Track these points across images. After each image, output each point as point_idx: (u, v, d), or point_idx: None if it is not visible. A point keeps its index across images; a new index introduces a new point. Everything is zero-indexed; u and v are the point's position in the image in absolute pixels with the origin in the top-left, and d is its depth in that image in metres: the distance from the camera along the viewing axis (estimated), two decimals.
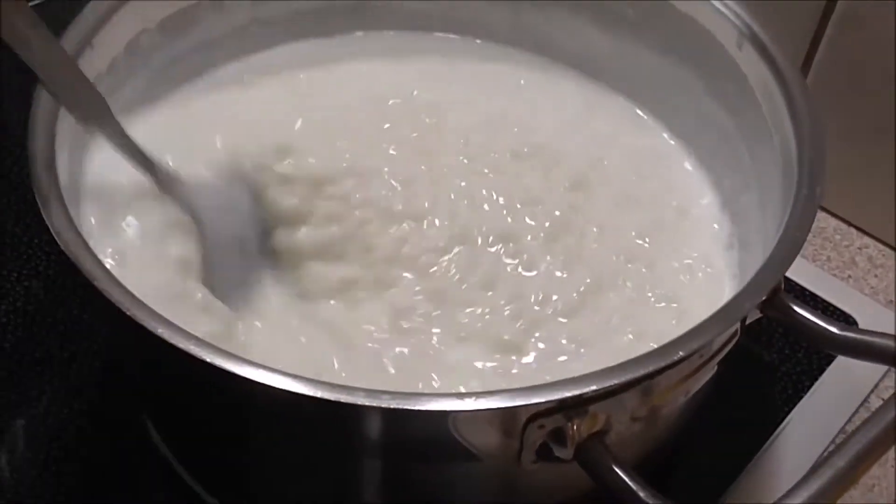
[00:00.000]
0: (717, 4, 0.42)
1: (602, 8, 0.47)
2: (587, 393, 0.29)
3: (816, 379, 0.46)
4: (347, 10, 0.50)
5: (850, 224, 0.54)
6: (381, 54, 0.49)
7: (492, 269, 0.41)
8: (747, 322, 0.36)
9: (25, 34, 0.34)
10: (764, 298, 0.32)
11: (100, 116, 0.37)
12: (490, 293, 0.40)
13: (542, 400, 0.29)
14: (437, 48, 0.51)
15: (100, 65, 0.40)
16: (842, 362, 0.47)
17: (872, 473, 0.43)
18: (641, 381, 0.30)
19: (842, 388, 0.46)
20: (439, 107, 0.47)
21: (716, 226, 0.43)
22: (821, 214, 0.54)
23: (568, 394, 0.29)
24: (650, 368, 0.30)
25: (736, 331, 0.34)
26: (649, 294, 0.41)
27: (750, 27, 0.41)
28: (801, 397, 0.46)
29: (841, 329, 0.34)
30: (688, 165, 0.46)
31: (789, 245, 0.33)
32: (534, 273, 0.41)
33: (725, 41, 0.42)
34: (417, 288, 0.41)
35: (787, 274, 0.49)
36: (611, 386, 0.29)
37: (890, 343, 0.33)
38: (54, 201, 0.33)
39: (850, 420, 0.45)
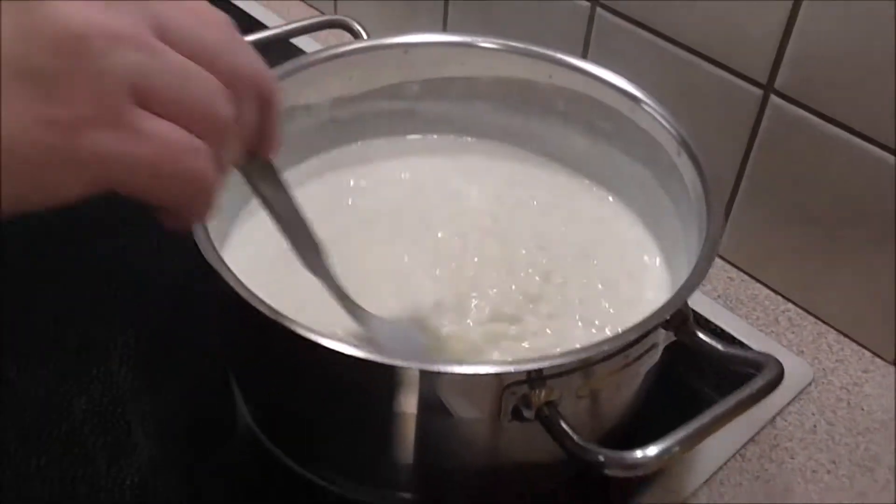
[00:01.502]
0: (665, 123, 0.59)
1: (587, 122, 0.65)
2: (543, 369, 0.45)
3: None
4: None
5: (777, 293, 0.69)
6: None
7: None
8: (666, 342, 0.52)
9: (270, 194, 0.43)
10: (667, 319, 0.48)
11: (317, 258, 0.47)
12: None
13: (514, 370, 0.45)
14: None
15: None
16: None
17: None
18: (572, 369, 0.46)
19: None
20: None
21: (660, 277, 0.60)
22: (755, 284, 0.70)
23: (532, 367, 0.45)
24: (573, 359, 0.45)
25: (653, 345, 0.50)
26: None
27: (686, 140, 0.58)
28: None
29: (725, 346, 0.50)
30: (641, 234, 0.63)
31: (687, 287, 0.49)
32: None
33: (670, 150, 0.59)
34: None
35: (722, 325, 0.65)
36: (552, 367, 0.45)
37: (756, 356, 0.49)
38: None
39: (758, 433, 0.60)
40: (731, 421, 0.45)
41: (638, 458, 0.43)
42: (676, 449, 0.43)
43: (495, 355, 0.54)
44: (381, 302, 0.54)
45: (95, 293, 0.65)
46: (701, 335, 0.51)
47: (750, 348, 0.63)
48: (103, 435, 0.57)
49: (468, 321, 0.56)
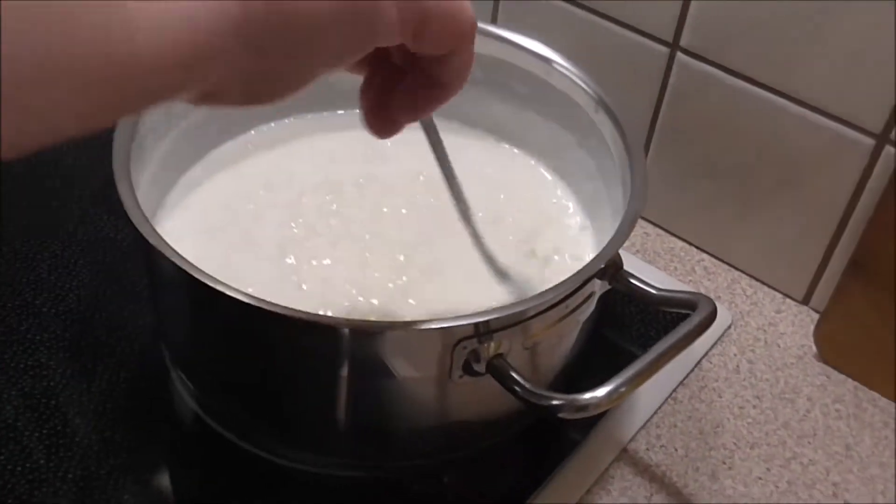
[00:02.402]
0: (581, 83, 0.61)
1: (504, 87, 0.66)
2: (490, 321, 0.47)
3: None
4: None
5: (691, 244, 0.72)
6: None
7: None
8: (602, 290, 0.54)
9: None
10: (602, 267, 0.50)
11: None
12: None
13: (464, 323, 0.46)
14: None
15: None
16: None
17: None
18: (518, 321, 0.47)
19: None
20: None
21: (583, 230, 0.62)
22: (670, 238, 0.73)
23: (479, 320, 0.46)
24: (519, 309, 0.47)
25: (590, 294, 0.52)
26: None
27: (602, 98, 0.60)
28: None
29: (657, 290, 0.52)
30: (562, 193, 0.65)
31: (619, 236, 0.51)
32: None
33: (587, 108, 0.61)
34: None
35: (643, 277, 0.67)
36: (499, 319, 0.46)
37: (689, 296, 0.51)
38: (127, 190, 0.49)
39: (687, 376, 0.63)
40: (673, 359, 0.47)
41: (589, 399, 0.45)
42: (623, 389, 0.45)
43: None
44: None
45: (16, 283, 0.63)
46: (634, 281, 0.53)
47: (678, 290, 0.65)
48: (39, 428, 0.56)
49: (389, 284, 0.57)
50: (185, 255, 0.46)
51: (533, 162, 0.67)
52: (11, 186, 0.69)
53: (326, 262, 0.57)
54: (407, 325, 0.46)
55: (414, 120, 0.42)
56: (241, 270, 0.55)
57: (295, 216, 0.60)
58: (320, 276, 0.56)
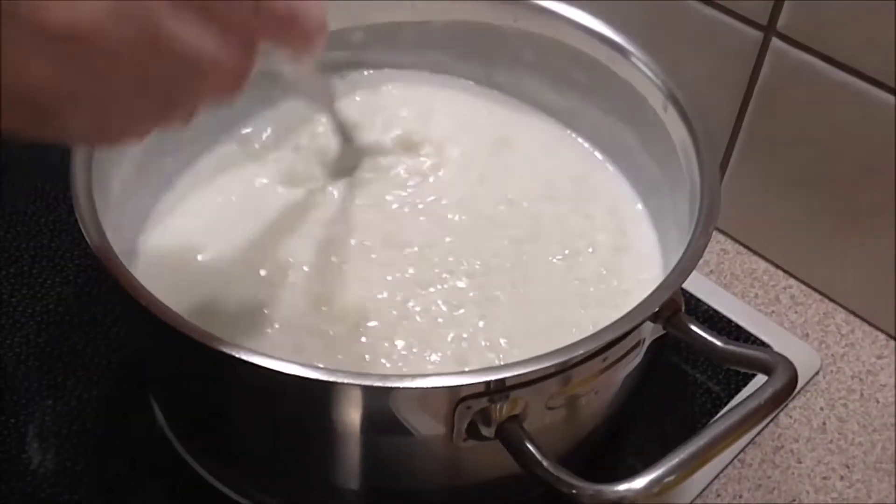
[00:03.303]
0: (649, 73, 0.50)
1: (558, 73, 0.55)
2: (506, 379, 0.37)
3: (733, 397, 0.53)
4: None
5: (777, 266, 0.61)
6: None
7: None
8: (654, 336, 0.43)
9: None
10: (656, 311, 0.40)
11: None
12: None
13: (470, 381, 0.37)
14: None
15: None
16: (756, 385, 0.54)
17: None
18: (539, 378, 0.37)
19: None
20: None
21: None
22: (752, 257, 0.62)
23: (492, 378, 0.37)
24: (542, 365, 0.37)
25: (637, 343, 0.42)
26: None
27: (673, 94, 0.49)
28: (717, 411, 0.53)
29: (724, 342, 0.42)
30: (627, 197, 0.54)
31: (680, 271, 0.41)
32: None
33: (655, 104, 0.50)
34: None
35: (716, 306, 0.57)
36: (516, 377, 0.37)
37: (764, 356, 0.41)
38: (88, 214, 0.41)
39: (759, 433, 0.52)
40: (738, 440, 0.37)
41: (622, 493, 0.35)
42: (670, 479, 0.35)
43: (451, 336, 0.46)
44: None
45: None
46: (695, 329, 0.42)
47: (753, 342, 0.55)
48: None
49: (430, 289, 0.47)
50: (157, 288, 0.38)
51: (599, 155, 0.56)
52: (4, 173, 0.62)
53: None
54: (398, 381, 0.37)
55: None
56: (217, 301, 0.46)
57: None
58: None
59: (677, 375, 0.54)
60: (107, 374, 0.52)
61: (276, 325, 0.45)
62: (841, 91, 0.52)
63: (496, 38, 0.55)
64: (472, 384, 0.37)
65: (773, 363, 0.39)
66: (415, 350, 0.45)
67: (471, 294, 0.47)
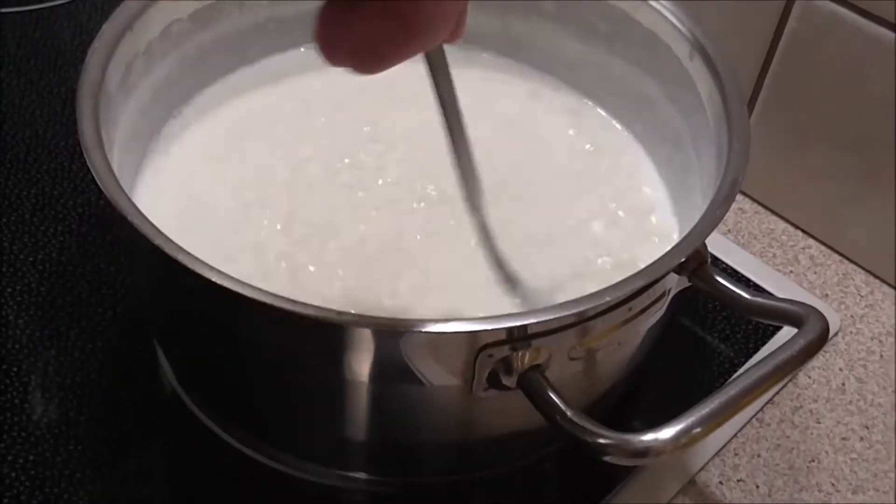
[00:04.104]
0: (674, 21, 0.49)
1: (580, 22, 0.54)
2: (528, 326, 0.36)
3: (751, 356, 0.52)
4: None
5: (796, 226, 0.60)
6: None
7: None
8: (679, 288, 0.42)
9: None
10: (682, 261, 0.38)
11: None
12: None
13: (491, 327, 0.35)
14: None
15: (138, 45, 0.47)
16: (775, 344, 0.53)
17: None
18: (564, 325, 0.36)
19: None
20: None
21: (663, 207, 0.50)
22: (771, 217, 0.60)
23: (514, 323, 0.35)
24: (567, 312, 0.36)
25: (662, 294, 0.40)
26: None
27: (700, 42, 0.48)
28: (731, 374, 0.51)
29: (752, 295, 0.40)
30: (641, 158, 0.53)
31: (708, 221, 0.39)
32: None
33: (680, 53, 0.49)
34: None
35: (735, 266, 0.56)
36: (540, 323, 0.35)
37: (794, 308, 0.39)
38: (97, 151, 0.40)
39: (778, 393, 0.51)
40: (767, 391, 0.36)
41: (648, 442, 0.34)
42: (698, 430, 0.34)
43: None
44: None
45: None
46: (721, 281, 0.41)
47: (779, 297, 0.53)
48: None
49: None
50: (166, 228, 0.36)
51: (604, 113, 0.55)
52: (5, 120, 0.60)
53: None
54: (418, 325, 0.36)
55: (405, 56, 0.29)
56: (230, 246, 0.45)
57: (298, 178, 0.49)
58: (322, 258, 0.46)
59: (691, 339, 0.53)
60: (111, 324, 0.51)
61: (283, 264, 0.44)
62: (871, 45, 0.51)
63: None
64: (495, 330, 0.35)
65: (804, 315, 0.38)
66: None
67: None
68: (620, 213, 0.49)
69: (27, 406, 0.47)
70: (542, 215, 0.48)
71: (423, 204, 0.48)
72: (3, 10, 0.69)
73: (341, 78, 0.55)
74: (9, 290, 0.52)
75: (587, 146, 0.53)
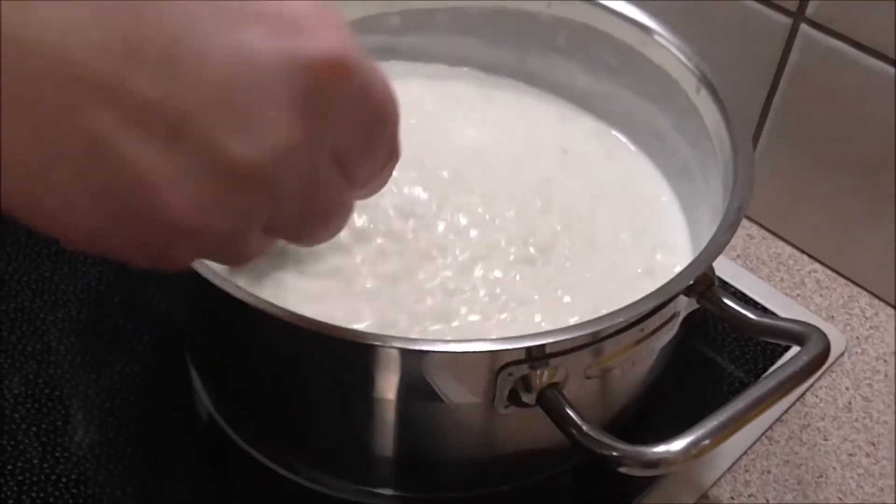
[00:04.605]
0: (681, 56, 0.51)
1: (591, 57, 0.56)
2: (546, 346, 0.38)
3: (759, 376, 0.54)
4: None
5: (802, 251, 0.62)
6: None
7: None
8: (688, 310, 0.44)
9: None
10: (691, 284, 0.41)
11: None
12: None
13: (511, 347, 0.38)
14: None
15: None
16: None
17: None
18: (579, 346, 0.38)
19: None
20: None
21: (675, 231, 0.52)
22: (777, 242, 0.63)
23: (533, 343, 0.38)
24: (582, 332, 0.38)
25: (673, 315, 0.43)
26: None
27: (706, 76, 0.50)
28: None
29: (758, 315, 0.43)
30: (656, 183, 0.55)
31: (715, 246, 0.41)
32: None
33: (687, 87, 0.51)
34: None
35: (743, 289, 0.58)
36: (557, 343, 0.38)
37: (797, 327, 0.42)
38: None
39: (786, 412, 0.53)
40: (771, 407, 0.38)
41: (661, 454, 0.36)
42: (707, 442, 0.36)
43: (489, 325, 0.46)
44: None
45: (32, 255, 0.57)
46: (728, 302, 0.43)
47: (783, 317, 0.55)
48: (37, 422, 0.49)
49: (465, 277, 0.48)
50: None
51: (623, 139, 0.57)
52: None
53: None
54: (443, 345, 0.38)
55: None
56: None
57: None
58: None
59: (701, 360, 0.55)
60: (147, 348, 0.53)
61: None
62: (869, 77, 0.53)
63: (529, 23, 0.56)
64: (514, 350, 0.38)
65: (806, 333, 0.40)
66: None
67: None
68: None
69: (69, 427, 0.49)
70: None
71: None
72: None
73: None
74: (51, 317, 0.54)
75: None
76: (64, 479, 0.47)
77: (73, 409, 0.50)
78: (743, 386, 0.53)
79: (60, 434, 0.49)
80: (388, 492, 0.47)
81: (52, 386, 0.51)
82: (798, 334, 0.40)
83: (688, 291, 0.42)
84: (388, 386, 0.40)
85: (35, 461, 0.48)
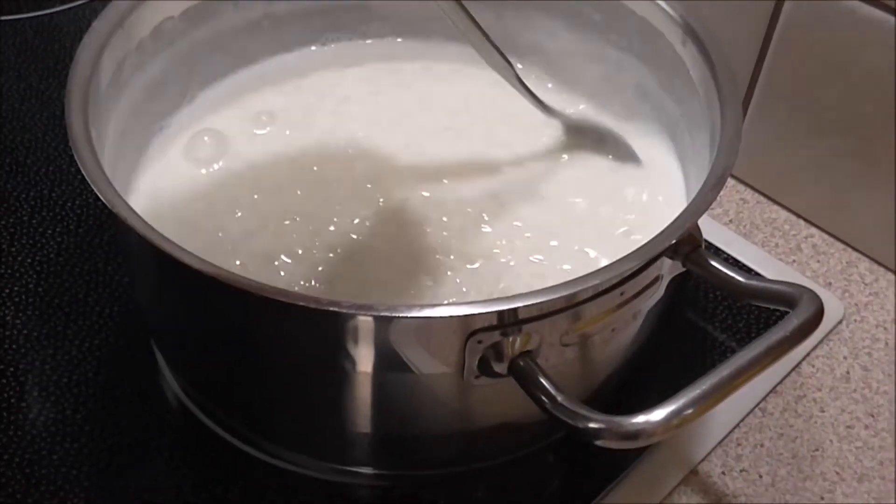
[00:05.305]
0: (667, 7, 0.48)
1: (571, 12, 0.53)
2: (518, 310, 0.35)
3: None
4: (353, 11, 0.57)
5: (798, 215, 0.59)
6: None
7: None
8: (673, 273, 0.42)
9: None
10: (674, 244, 0.38)
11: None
12: None
13: (480, 311, 0.35)
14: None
15: (129, 44, 0.47)
16: None
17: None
18: (554, 310, 0.36)
19: None
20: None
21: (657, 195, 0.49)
22: (772, 206, 0.60)
23: (504, 307, 0.35)
24: (557, 295, 0.35)
25: (656, 278, 0.40)
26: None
27: (692, 27, 0.47)
28: None
29: (746, 278, 0.40)
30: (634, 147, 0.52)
31: (698, 204, 0.39)
32: None
33: (672, 39, 0.48)
34: None
35: (736, 255, 0.55)
36: (530, 307, 0.35)
37: (788, 289, 0.39)
38: (84, 144, 0.40)
39: (781, 382, 0.50)
40: (760, 374, 0.35)
41: (640, 425, 0.33)
42: (690, 412, 0.34)
43: (457, 281, 0.44)
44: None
45: None
46: (716, 264, 0.40)
47: (772, 280, 0.53)
48: None
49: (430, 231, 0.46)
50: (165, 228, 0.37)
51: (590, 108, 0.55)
52: (4, 124, 0.60)
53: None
54: (406, 310, 0.35)
55: None
56: (227, 237, 0.45)
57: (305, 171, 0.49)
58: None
59: (691, 329, 0.52)
60: (108, 323, 0.51)
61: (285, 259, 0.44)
62: (869, 28, 0.50)
63: None
64: (484, 314, 0.35)
65: (797, 295, 0.37)
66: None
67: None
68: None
69: (24, 405, 0.47)
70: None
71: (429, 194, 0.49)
72: (3, 17, 0.69)
73: (344, 77, 0.56)
74: (7, 290, 0.52)
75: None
76: (17, 459, 0.45)
77: (28, 385, 0.48)
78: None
79: (14, 412, 0.47)
80: (367, 470, 0.45)
81: (5, 361, 0.49)
82: (789, 296, 0.37)
83: (671, 253, 0.39)
84: (355, 356, 0.38)
85: None
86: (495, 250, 0.46)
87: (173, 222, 0.45)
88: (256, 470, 0.45)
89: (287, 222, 0.46)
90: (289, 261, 0.45)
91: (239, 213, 0.47)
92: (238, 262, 0.44)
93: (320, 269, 0.44)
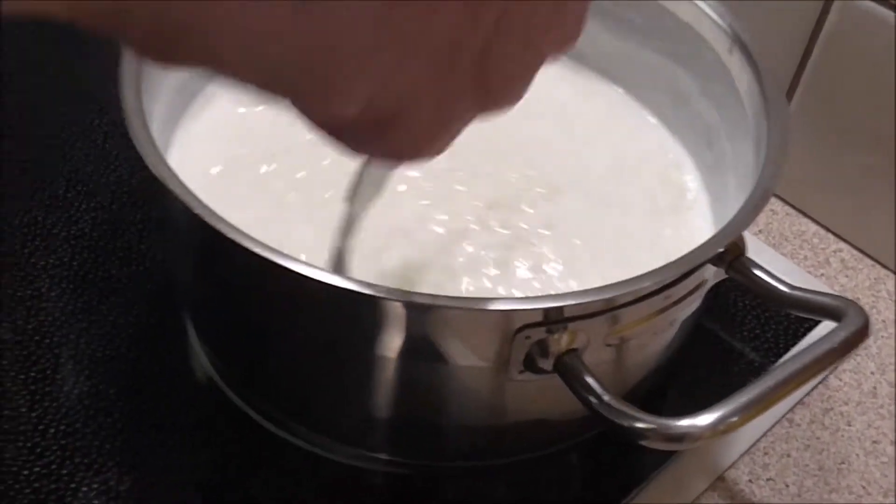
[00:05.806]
0: (713, 15, 0.49)
1: (614, 15, 0.54)
2: (565, 308, 0.36)
3: (781, 356, 0.52)
4: None
5: (827, 229, 0.60)
6: None
7: None
8: (715, 280, 0.42)
9: None
10: (721, 252, 0.38)
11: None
12: None
13: (529, 307, 0.35)
14: None
15: None
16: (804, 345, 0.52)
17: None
18: (602, 310, 0.36)
19: None
20: None
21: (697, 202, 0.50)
22: (802, 219, 0.60)
23: (552, 304, 0.35)
24: (605, 296, 0.36)
25: (700, 283, 0.40)
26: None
27: (739, 36, 0.48)
28: (762, 371, 0.51)
29: (790, 288, 0.40)
30: (675, 152, 0.52)
31: (745, 215, 0.39)
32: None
33: (718, 47, 0.49)
34: None
35: (765, 266, 0.55)
36: (578, 305, 0.35)
37: (833, 301, 0.39)
38: (137, 118, 0.40)
39: (808, 394, 0.51)
40: (803, 385, 0.36)
41: (686, 428, 0.34)
42: (735, 419, 0.34)
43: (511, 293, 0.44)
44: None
45: (24, 201, 0.55)
46: (759, 274, 0.41)
47: (816, 291, 0.53)
48: (25, 370, 0.47)
49: (468, 247, 0.46)
50: (201, 196, 0.37)
51: (638, 105, 0.55)
52: (34, 92, 0.61)
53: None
54: (456, 303, 0.36)
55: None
56: (273, 219, 0.45)
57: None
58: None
59: (718, 338, 0.53)
60: (141, 299, 0.51)
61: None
62: None
63: None
64: (531, 310, 0.35)
65: (843, 308, 0.38)
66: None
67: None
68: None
69: (59, 378, 0.47)
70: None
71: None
72: None
73: None
74: (42, 263, 0.52)
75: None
76: (52, 430, 0.45)
77: (62, 357, 0.48)
78: (758, 368, 0.51)
79: (49, 383, 0.47)
80: (383, 456, 0.45)
81: (41, 333, 0.49)
82: (834, 309, 0.38)
83: (717, 260, 0.40)
84: (394, 344, 0.38)
85: (23, 409, 0.46)
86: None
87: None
88: (283, 451, 0.45)
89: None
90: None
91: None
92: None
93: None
